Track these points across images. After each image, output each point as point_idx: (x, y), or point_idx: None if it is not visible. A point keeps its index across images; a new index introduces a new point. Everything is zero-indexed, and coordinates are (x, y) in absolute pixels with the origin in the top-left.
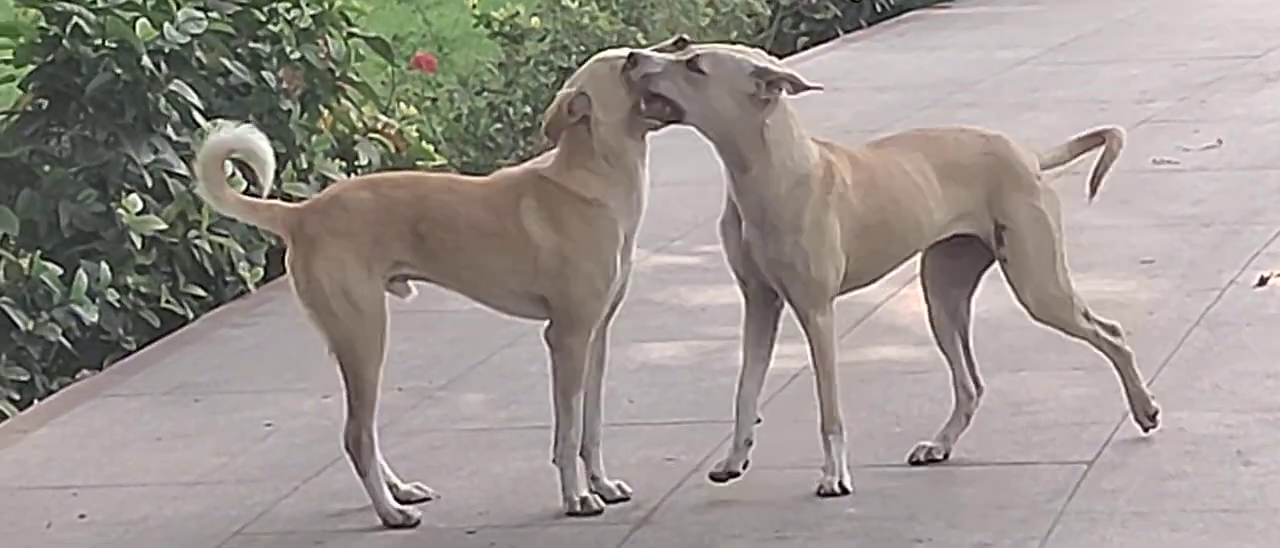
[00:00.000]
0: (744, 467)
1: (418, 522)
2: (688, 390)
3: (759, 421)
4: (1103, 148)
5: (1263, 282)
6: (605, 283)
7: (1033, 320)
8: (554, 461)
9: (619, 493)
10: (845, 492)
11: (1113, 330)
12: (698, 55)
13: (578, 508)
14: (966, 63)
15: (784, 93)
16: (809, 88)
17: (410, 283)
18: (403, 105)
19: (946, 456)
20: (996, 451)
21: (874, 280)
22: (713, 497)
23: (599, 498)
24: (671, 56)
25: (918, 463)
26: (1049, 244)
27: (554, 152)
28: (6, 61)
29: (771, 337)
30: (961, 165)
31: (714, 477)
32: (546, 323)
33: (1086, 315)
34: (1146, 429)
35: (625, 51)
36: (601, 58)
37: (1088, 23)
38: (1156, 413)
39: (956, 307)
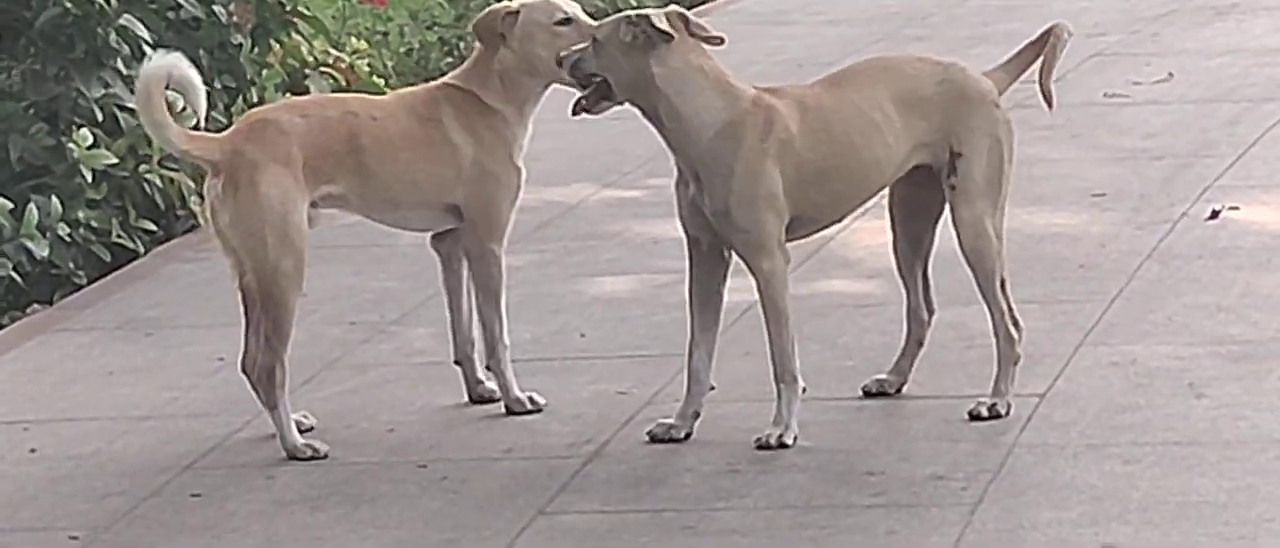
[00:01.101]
0: (686, 437)
1: (326, 454)
2: (640, 324)
3: (713, 388)
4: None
5: (1214, 215)
6: (515, 188)
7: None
8: (488, 366)
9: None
10: (784, 446)
11: (1016, 324)
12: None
13: (525, 407)
14: None
15: (668, 39)
16: (678, 32)
17: (319, 210)
18: (353, 39)
19: (900, 389)
20: (949, 384)
21: (841, 219)
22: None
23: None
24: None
25: (870, 395)
26: (997, 176)
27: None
28: None
29: (718, 303)
30: (919, 96)
31: (652, 436)
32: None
33: (1003, 284)
34: (982, 418)
35: (567, 9)
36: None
37: None
38: (1001, 415)
39: (920, 236)
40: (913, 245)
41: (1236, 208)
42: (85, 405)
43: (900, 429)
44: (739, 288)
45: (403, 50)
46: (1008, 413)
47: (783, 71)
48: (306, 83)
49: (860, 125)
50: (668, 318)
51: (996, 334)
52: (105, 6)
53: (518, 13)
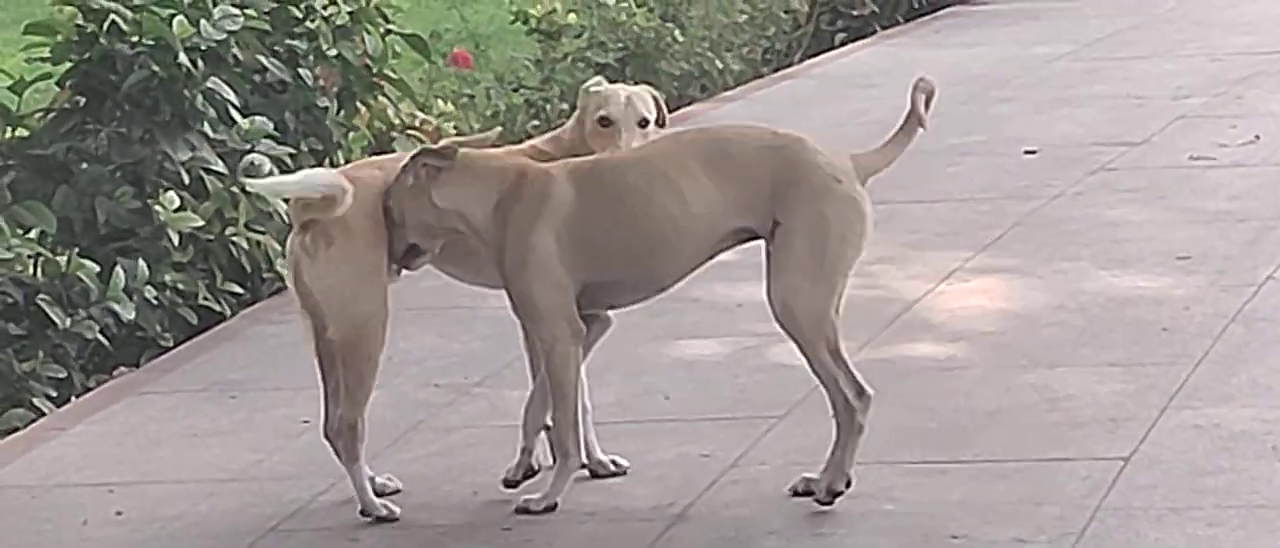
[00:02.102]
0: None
1: (397, 517)
2: (724, 387)
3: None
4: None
5: None
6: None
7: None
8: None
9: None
10: (548, 510)
11: (859, 393)
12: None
13: (608, 469)
14: (1002, 59)
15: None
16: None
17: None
18: (440, 102)
19: None
20: (1032, 447)
21: (662, 281)
22: (749, 494)
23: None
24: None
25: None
26: (821, 251)
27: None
28: (44, 59)
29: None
30: (735, 160)
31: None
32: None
33: (836, 354)
34: (823, 503)
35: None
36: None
37: (1123, 19)
38: (840, 494)
39: None
40: None
41: None
42: (170, 468)
43: (983, 492)
44: None
45: (489, 113)
46: (848, 487)
47: (867, 133)
48: (393, 146)
49: (649, 184)
50: (751, 381)
51: (833, 403)
52: (191, 70)
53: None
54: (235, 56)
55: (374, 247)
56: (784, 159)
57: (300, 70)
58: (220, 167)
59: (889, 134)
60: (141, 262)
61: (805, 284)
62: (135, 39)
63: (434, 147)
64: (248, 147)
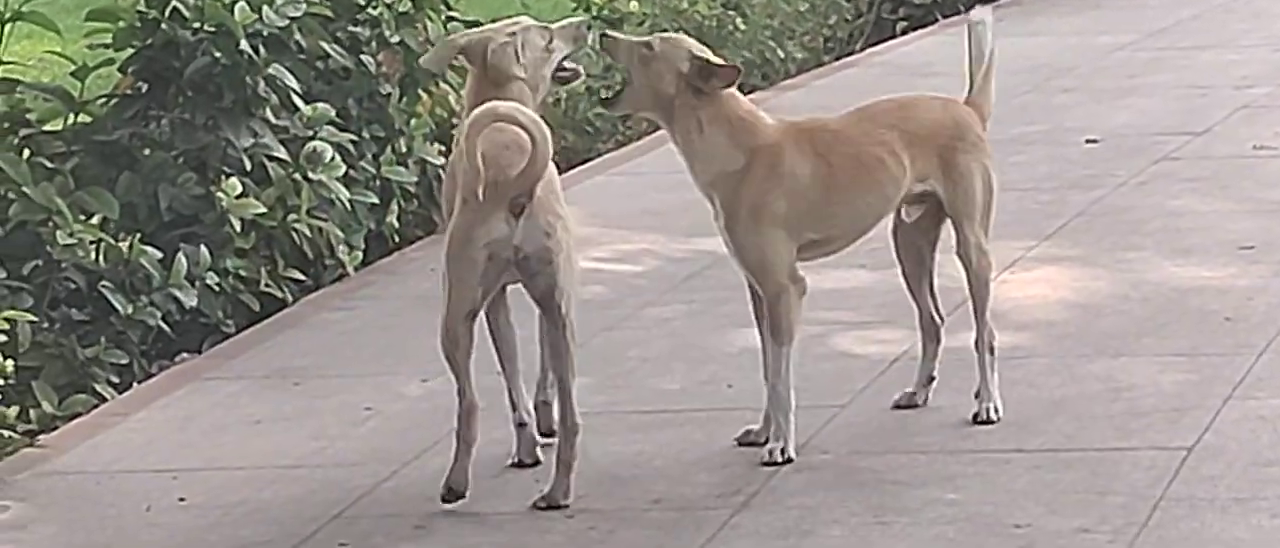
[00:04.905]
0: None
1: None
2: None
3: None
4: None
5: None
6: None
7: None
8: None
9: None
10: (788, 461)
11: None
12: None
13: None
14: (1065, 48)
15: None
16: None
17: None
18: None
19: (926, 400)
20: (1096, 436)
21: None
22: (812, 482)
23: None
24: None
25: (899, 407)
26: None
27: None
28: (106, 46)
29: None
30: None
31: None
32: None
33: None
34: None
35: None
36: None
37: (1185, 9)
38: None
39: (922, 256)
40: (918, 264)
41: None
42: (234, 455)
43: (1048, 481)
44: (884, 338)
45: (551, 100)
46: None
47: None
48: (455, 132)
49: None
50: (815, 369)
51: (983, 338)
52: (253, 57)
53: None
54: (298, 43)
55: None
56: (951, 119)
57: (363, 57)
58: (282, 153)
59: (977, 78)
60: (204, 248)
61: (984, 233)
62: (197, 25)
63: None
64: (310, 133)
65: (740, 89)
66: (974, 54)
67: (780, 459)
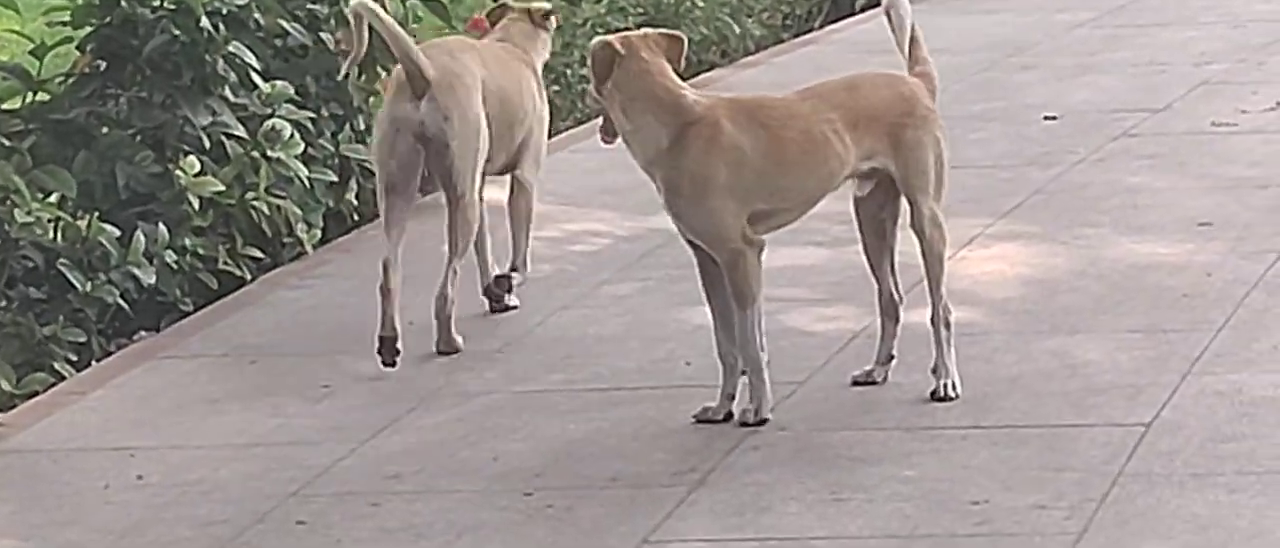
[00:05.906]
0: (725, 418)
1: None
2: None
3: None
4: None
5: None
6: None
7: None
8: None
9: None
10: (761, 422)
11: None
12: None
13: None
14: (1024, 25)
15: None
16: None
17: None
18: None
19: (885, 378)
20: (1053, 413)
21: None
22: (769, 459)
23: None
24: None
25: (858, 384)
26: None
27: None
28: (64, 23)
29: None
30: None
31: (696, 418)
32: None
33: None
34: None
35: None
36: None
37: None
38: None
39: (884, 230)
40: (879, 239)
41: None
42: (191, 433)
43: (1004, 458)
44: (841, 316)
45: None
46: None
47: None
48: None
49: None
50: (773, 346)
51: (937, 314)
52: (212, 34)
53: None
54: (256, 21)
55: None
56: (898, 95)
57: (322, 34)
58: (241, 131)
59: (910, 55)
60: (162, 226)
61: (938, 205)
62: (156, 3)
63: None
64: (269, 111)
65: (699, 68)
66: (896, 30)
67: (753, 420)
